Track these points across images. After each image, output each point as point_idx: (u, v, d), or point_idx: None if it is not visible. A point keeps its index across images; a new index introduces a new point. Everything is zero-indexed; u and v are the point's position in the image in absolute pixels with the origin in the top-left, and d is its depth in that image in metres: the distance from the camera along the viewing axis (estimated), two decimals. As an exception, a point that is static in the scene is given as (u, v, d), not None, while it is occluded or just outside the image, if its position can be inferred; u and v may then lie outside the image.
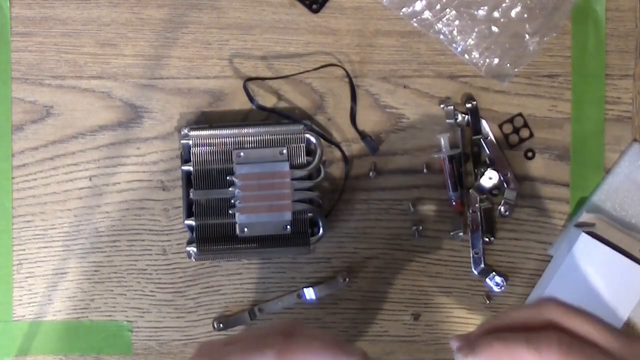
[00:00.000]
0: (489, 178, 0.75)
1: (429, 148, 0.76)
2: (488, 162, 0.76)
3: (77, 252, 0.76)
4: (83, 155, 0.76)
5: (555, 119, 0.77)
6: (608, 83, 0.77)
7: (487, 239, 0.76)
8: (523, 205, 0.77)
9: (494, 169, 0.75)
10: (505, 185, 0.76)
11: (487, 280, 0.76)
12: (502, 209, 0.76)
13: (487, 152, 0.76)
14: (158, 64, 0.76)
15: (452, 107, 0.75)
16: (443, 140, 0.75)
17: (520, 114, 0.76)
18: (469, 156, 0.76)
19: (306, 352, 0.54)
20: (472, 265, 0.76)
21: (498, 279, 0.76)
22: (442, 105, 0.76)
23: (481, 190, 0.76)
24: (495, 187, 0.76)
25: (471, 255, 0.76)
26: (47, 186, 0.76)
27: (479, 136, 0.76)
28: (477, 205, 0.76)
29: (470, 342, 0.54)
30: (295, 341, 0.55)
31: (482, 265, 0.76)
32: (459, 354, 0.54)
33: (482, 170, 0.76)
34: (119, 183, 0.76)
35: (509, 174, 0.76)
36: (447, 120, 0.75)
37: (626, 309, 0.73)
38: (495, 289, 0.76)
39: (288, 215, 0.73)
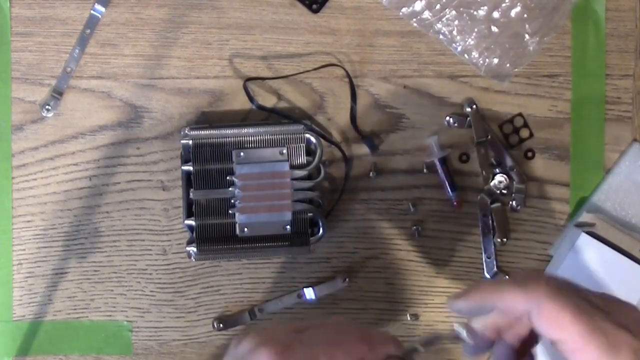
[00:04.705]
0: (499, 182, 0.75)
1: (429, 148, 0.76)
2: (495, 163, 0.76)
3: (77, 252, 0.76)
4: (83, 155, 0.76)
5: (555, 119, 0.77)
6: (608, 83, 0.77)
7: (500, 240, 0.76)
8: (523, 205, 0.77)
9: (503, 172, 0.75)
10: (515, 182, 0.76)
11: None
12: (514, 203, 0.76)
13: (493, 153, 0.76)
14: (158, 64, 0.76)
15: (436, 136, 0.75)
16: (433, 143, 0.75)
17: (520, 114, 0.76)
18: (469, 156, 0.76)
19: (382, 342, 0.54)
20: (485, 269, 0.76)
21: None
22: (428, 138, 0.76)
23: (491, 194, 0.75)
24: (505, 187, 0.75)
25: (483, 259, 0.76)
26: (47, 186, 0.76)
27: (483, 139, 0.75)
28: (487, 209, 0.76)
29: (460, 291, 0.55)
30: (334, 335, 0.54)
31: (495, 269, 0.76)
32: (451, 302, 0.55)
33: (491, 172, 0.75)
34: (119, 183, 0.76)
35: (515, 170, 0.76)
36: (434, 151, 0.75)
37: (626, 309, 0.73)
38: None
39: (288, 215, 0.73)
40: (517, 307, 0.52)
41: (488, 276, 0.76)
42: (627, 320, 0.51)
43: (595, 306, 0.51)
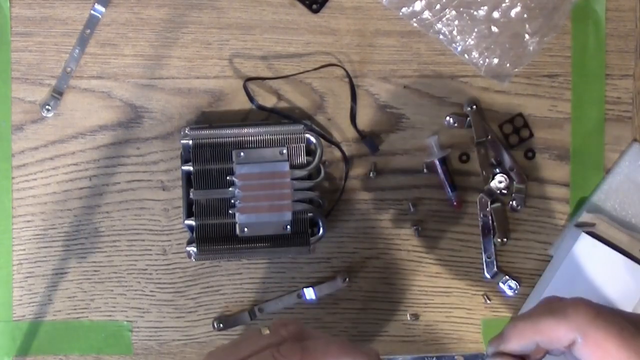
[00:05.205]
0: (499, 182, 0.75)
1: (429, 148, 0.76)
2: (495, 163, 0.76)
3: (77, 252, 0.76)
4: (83, 155, 0.76)
5: (555, 119, 0.77)
6: (608, 83, 0.77)
7: (500, 240, 0.76)
8: (523, 205, 0.77)
9: (503, 172, 0.75)
10: (515, 182, 0.76)
11: (500, 284, 0.76)
12: (514, 203, 0.76)
13: (493, 153, 0.76)
14: (158, 64, 0.76)
15: (436, 136, 0.75)
16: (433, 143, 0.75)
17: (520, 114, 0.76)
18: (469, 156, 0.76)
19: (326, 358, 0.53)
20: (485, 269, 0.76)
21: (512, 282, 0.76)
22: (428, 138, 0.76)
23: (491, 194, 0.75)
24: (505, 187, 0.75)
25: (483, 259, 0.76)
26: (47, 186, 0.76)
27: (483, 139, 0.75)
28: (487, 209, 0.76)
29: (498, 335, 0.54)
30: (313, 348, 0.54)
31: (495, 269, 0.76)
32: (490, 348, 0.53)
33: (491, 172, 0.75)
34: (119, 183, 0.76)
35: (515, 170, 0.76)
36: (434, 151, 0.75)
37: (626, 308, 0.72)
38: (509, 292, 0.76)
39: (288, 215, 0.73)
40: (560, 339, 0.50)
41: (488, 276, 0.76)
42: None
43: (637, 327, 0.50)
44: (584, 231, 0.73)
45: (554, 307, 0.52)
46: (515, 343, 0.52)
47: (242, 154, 0.73)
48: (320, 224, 0.74)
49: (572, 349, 0.51)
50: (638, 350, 0.49)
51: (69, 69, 0.76)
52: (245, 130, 0.73)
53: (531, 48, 0.76)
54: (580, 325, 0.50)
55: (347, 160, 0.76)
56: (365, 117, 0.76)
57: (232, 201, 0.72)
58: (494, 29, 0.75)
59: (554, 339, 0.51)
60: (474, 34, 0.75)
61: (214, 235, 0.73)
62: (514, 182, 0.76)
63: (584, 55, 0.76)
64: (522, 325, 0.52)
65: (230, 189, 0.72)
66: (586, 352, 0.50)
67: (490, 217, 0.76)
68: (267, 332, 0.56)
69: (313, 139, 0.73)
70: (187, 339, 0.77)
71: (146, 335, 0.76)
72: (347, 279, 0.76)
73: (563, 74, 0.76)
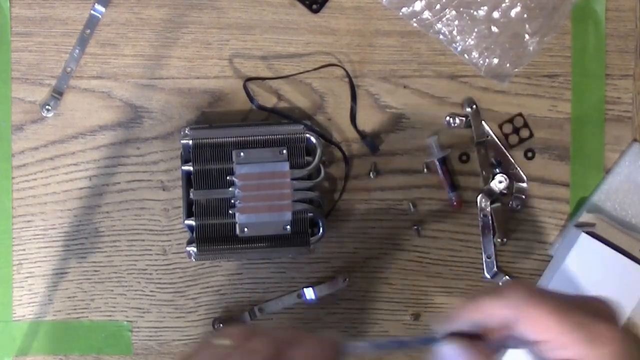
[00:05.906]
0: (499, 182, 0.75)
1: (429, 148, 0.76)
2: (495, 163, 0.76)
3: (77, 252, 0.76)
4: (83, 155, 0.76)
5: (555, 119, 0.77)
6: (608, 83, 0.77)
7: (499, 240, 0.76)
8: (523, 205, 0.77)
9: (503, 172, 0.75)
10: (515, 182, 0.76)
11: (500, 284, 0.76)
12: (514, 203, 0.76)
13: (493, 153, 0.76)
14: (158, 64, 0.76)
15: (436, 136, 0.75)
16: (433, 143, 0.75)
17: (520, 114, 0.76)
18: (469, 156, 0.76)
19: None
20: (485, 269, 0.76)
21: None
22: (428, 138, 0.76)
23: (491, 194, 0.75)
24: (505, 187, 0.75)
25: (483, 259, 0.76)
26: (47, 186, 0.76)
27: (483, 139, 0.75)
28: (487, 209, 0.76)
29: (443, 317, 0.55)
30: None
31: (495, 269, 0.76)
32: (439, 330, 0.54)
33: (491, 172, 0.75)
34: (119, 183, 0.76)
35: (515, 170, 0.76)
36: (434, 151, 0.75)
37: (626, 309, 0.73)
38: None
39: (288, 215, 0.73)
40: (496, 316, 0.52)
41: (488, 276, 0.76)
42: (601, 313, 0.52)
43: (571, 303, 0.52)
44: (584, 231, 0.73)
45: (494, 289, 0.54)
46: (459, 323, 0.54)
47: (242, 154, 0.73)
48: (320, 224, 0.74)
49: (515, 330, 0.52)
50: (575, 323, 0.50)
51: (69, 69, 0.76)
52: (245, 130, 0.73)
53: (531, 48, 0.76)
54: (517, 303, 0.51)
55: (347, 160, 0.76)
56: (365, 117, 0.76)
57: (232, 201, 0.72)
58: (494, 29, 0.75)
59: (491, 316, 0.52)
60: (474, 34, 0.75)
61: (214, 235, 0.73)
62: (514, 182, 0.76)
63: (584, 55, 0.76)
64: (465, 305, 0.54)
65: (230, 189, 0.72)
66: (527, 329, 0.51)
67: (490, 217, 0.76)
68: (227, 342, 0.53)
69: (313, 139, 0.73)
70: (187, 339, 0.77)
71: (146, 335, 0.76)
72: (347, 279, 0.76)
73: (563, 74, 0.76)
